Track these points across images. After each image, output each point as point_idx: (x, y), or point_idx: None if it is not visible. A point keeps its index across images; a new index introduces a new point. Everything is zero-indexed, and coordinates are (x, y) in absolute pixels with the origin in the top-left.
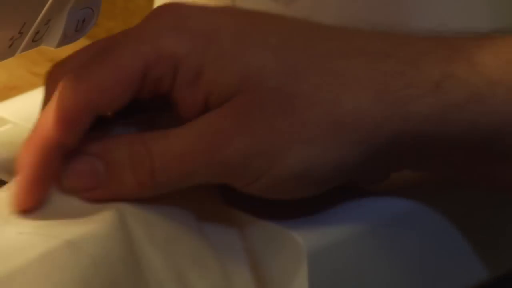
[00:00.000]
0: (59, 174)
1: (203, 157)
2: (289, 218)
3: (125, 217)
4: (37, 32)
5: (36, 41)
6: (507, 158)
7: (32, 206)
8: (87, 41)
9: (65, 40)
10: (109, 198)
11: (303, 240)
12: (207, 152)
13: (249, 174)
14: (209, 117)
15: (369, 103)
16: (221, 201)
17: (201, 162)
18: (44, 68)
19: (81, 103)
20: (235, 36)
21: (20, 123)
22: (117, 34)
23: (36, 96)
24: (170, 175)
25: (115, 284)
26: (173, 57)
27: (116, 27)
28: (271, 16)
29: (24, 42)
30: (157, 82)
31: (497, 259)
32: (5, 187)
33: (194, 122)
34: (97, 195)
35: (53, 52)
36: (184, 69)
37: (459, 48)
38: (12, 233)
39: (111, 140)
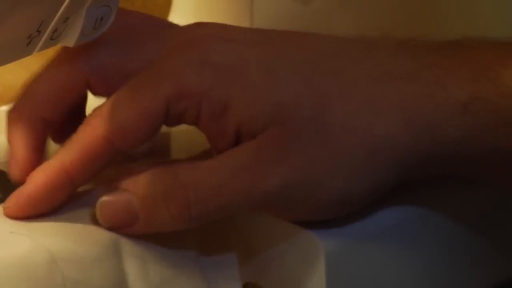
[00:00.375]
0: (61, 204)
1: (242, 189)
2: None
3: (119, 246)
4: (55, 30)
5: (54, 39)
6: None
7: (22, 218)
8: None
9: (83, 38)
10: (143, 232)
11: (321, 240)
12: (246, 184)
13: (289, 204)
14: (245, 149)
15: (400, 129)
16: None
17: (240, 194)
18: None
19: (102, 143)
20: (263, 68)
21: None
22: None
23: None
24: (205, 208)
25: None
26: (195, 93)
27: None
28: (296, 40)
29: (42, 40)
30: (181, 116)
31: None
32: None
33: (228, 153)
34: (133, 231)
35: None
36: (208, 103)
37: (483, 67)
38: (5, 230)
39: (142, 174)
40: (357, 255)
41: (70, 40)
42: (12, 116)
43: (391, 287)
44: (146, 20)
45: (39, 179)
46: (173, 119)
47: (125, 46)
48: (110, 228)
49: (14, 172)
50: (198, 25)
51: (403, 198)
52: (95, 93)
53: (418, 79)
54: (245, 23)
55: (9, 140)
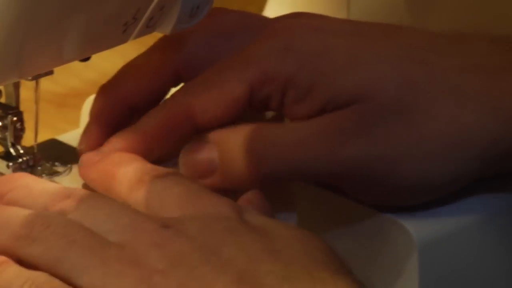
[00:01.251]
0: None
1: (320, 151)
2: (401, 209)
3: None
4: (151, 18)
5: (150, 27)
6: None
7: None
8: None
9: (179, 26)
10: (220, 186)
11: (415, 231)
12: (325, 147)
13: (366, 181)
14: (329, 117)
15: (486, 120)
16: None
17: (317, 156)
18: None
19: (183, 118)
20: (348, 53)
21: None
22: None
23: None
24: (281, 164)
25: None
26: (278, 78)
27: None
28: (386, 31)
29: (137, 28)
30: (264, 102)
31: None
32: None
33: (312, 120)
34: (211, 182)
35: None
36: (293, 88)
37: None
38: None
39: (228, 128)
40: (451, 247)
41: (166, 28)
42: (99, 99)
43: (485, 280)
44: (240, 14)
45: (117, 144)
46: (257, 105)
47: (217, 37)
48: (190, 177)
49: (82, 145)
50: (289, 15)
51: (497, 189)
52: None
53: (507, 73)
54: (341, 15)
55: (90, 116)
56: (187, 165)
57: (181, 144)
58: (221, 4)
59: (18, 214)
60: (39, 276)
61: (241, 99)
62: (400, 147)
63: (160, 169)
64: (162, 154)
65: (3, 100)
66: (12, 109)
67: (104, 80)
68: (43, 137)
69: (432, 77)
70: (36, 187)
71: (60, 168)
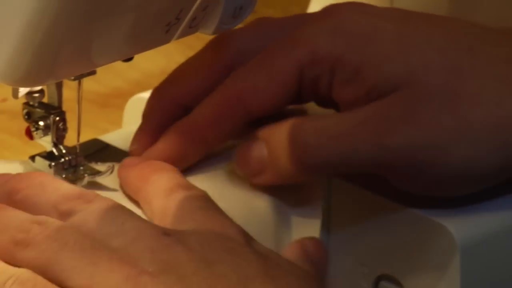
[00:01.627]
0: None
1: (365, 141)
2: (442, 210)
3: None
4: (194, 18)
5: (192, 27)
6: None
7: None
8: None
9: (221, 26)
10: (273, 182)
11: (456, 232)
12: (370, 136)
13: (411, 167)
14: (374, 105)
15: None
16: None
17: (362, 146)
18: None
19: (234, 102)
20: (396, 37)
21: None
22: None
23: None
24: (326, 155)
25: None
26: (328, 57)
27: (275, 14)
28: (434, 19)
29: (180, 28)
30: (314, 83)
31: None
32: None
33: (356, 109)
34: (263, 180)
35: (210, 38)
36: (341, 68)
37: None
38: None
39: (274, 125)
40: (493, 248)
41: (209, 28)
42: (151, 100)
43: None
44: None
45: (172, 138)
46: (306, 88)
47: (268, 31)
48: (245, 176)
49: (134, 146)
50: (339, 3)
51: None
52: None
53: None
54: None
55: (142, 117)
56: (241, 165)
57: (234, 134)
58: (264, 4)
59: (17, 218)
60: (23, 273)
61: (291, 79)
62: (446, 134)
63: (192, 186)
64: (216, 144)
65: (45, 100)
66: (55, 109)
67: (147, 80)
68: (85, 137)
69: (479, 64)
70: (50, 186)
71: (102, 168)
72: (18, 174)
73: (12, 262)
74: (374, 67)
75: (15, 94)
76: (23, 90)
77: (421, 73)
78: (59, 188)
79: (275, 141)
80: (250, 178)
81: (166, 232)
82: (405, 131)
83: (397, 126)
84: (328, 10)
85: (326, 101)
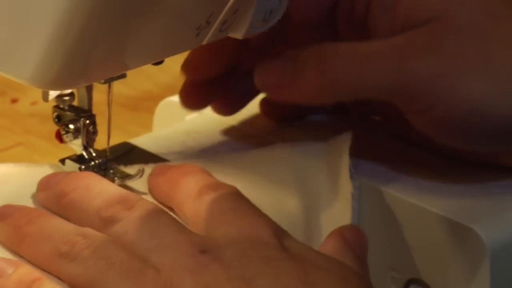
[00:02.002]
0: None
1: (389, 63)
2: (472, 214)
3: None
4: (224, 22)
5: (222, 31)
6: None
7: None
8: None
9: (251, 30)
10: (291, 97)
11: (486, 236)
12: (394, 59)
13: (428, 96)
14: (403, 34)
15: None
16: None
17: (386, 67)
18: None
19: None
20: None
21: (205, 112)
22: None
23: None
24: (349, 73)
25: None
26: None
27: None
28: None
29: (211, 32)
30: (352, 3)
31: None
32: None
33: (389, 38)
34: (283, 95)
35: None
36: None
37: None
38: None
39: (306, 45)
40: None
41: (239, 32)
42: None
43: None
44: None
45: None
46: (344, 9)
47: None
48: (262, 89)
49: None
50: None
51: None
52: None
53: None
54: None
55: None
56: (262, 76)
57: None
58: None
59: (62, 228)
60: None
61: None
62: (467, 66)
63: (220, 184)
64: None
65: (75, 103)
66: (85, 112)
67: (177, 83)
68: (115, 140)
69: None
70: (95, 189)
71: (132, 171)
72: (68, 174)
73: (55, 273)
74: None
75: (45, 97)
76: (53, 93)
77: (455, 9)
78: (103, 191)
79: (302, 57)
80: (268, 91)
81: (202, 249)
82: (427, 58)
83: (420, 52)
84: None
85: (358, 31)
